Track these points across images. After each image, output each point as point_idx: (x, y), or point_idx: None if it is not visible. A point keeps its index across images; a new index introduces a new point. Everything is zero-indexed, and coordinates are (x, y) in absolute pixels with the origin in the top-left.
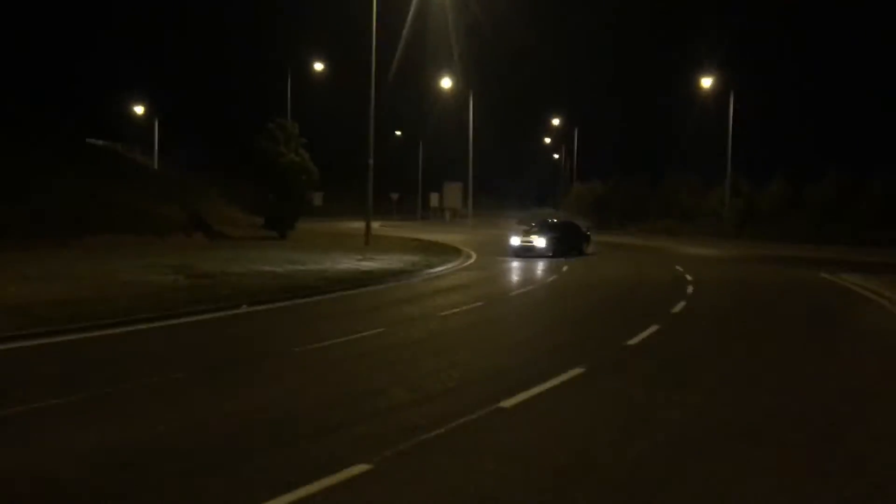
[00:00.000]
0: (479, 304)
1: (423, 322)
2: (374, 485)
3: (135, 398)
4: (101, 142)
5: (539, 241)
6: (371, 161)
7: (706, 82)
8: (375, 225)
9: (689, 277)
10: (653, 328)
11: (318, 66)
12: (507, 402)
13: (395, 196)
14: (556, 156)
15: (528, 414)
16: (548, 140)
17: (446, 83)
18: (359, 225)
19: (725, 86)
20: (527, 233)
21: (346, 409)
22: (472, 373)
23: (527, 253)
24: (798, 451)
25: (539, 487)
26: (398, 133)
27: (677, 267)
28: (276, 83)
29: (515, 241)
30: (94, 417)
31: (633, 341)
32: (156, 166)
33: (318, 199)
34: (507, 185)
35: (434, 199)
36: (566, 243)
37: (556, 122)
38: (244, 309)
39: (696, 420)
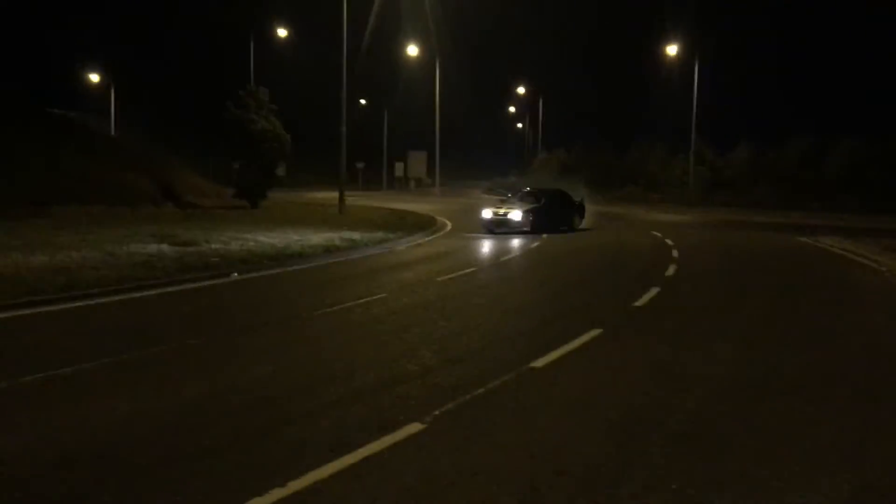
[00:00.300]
0: (472, 269)
1: (424, 287)
2: (435, 442)
3: (161, 364)
4: (57, 111)
5: (515, 214)
6: (344, 129)
7: (672, 50)
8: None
9: (669, 242)
10: (654, 290)
11: (283, 33)
12: (538, 363)
13: (360, 165)
14: (520, 125)
15: (563, 373)
16: (513, 109)
17: (413, 50)
18: (326, 195)
19: (691, 53)
20: (501, 204)
21: (379, 371)
22: (491, 335)
23: (500, 228)
24: (848, 404)
25: (600, 442)
26: (363, 101)
27: (655, 233)
28: (240, 50)
29: (487, 213)
30: (120, 384)
31: (639, 303)
32: (112, 134)
33: (281, 169)
34: (471, 155)
35: (399, 168)
36: (550, 216)
37: (521, 91)
38: (235, 276)
39: (733, 376)
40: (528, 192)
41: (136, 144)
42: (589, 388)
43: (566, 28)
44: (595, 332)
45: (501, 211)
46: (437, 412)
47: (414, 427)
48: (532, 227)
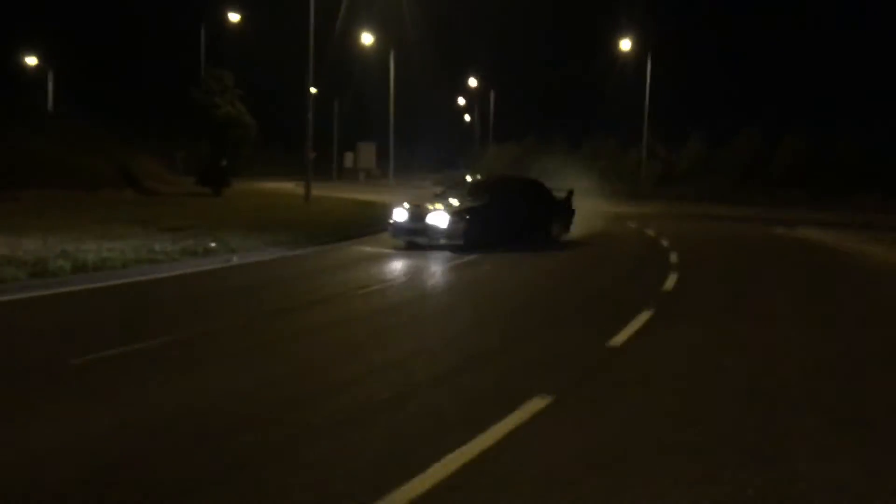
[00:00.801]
0: (473, 256)
1: (439, 274)
2: (570, 416)
3: (229, 341)
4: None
5: (438, 218)
6: (310, 115)
7: (625, 44)
8: (291, 185)
9: (651, 233)
10: (673, 275)
11: (234, 17)
12: (614, 342)
13: (311, 155)
14: (469, 118)
15: (647, 350)
16: (462, 101)
17: (367, 40)
18: (283, 185)
19: (643, 48)
20: (430, 199)
21: (457, 349)
22: (547, 316)
23: (416, 236)
24: None
25: (738, 413)
26: (314, 90)
27: (630, 223)
28: (189, 34)
29: (400, 214)
30: (197, 361)
31: (667, 287)
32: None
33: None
34: (419, 146)
35: (349, 159)
36: (505, 221)
37: (471, 83)
38: (235, 260)
39: (820, 349)
40: (477, 182)
41: (91, 127)
42: (687, 363)
43: (519, 20)
44: (647, 315)
45: (421, 212)
46: (561, 385)
47: (543, 400)
48: (468, 239)
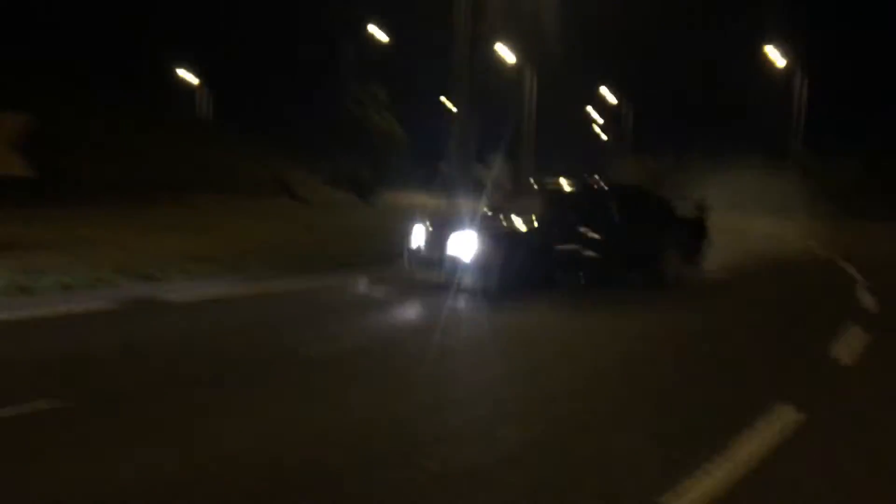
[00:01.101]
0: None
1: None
2: (829, 426)
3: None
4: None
5: (461, 246)
6: (457, 129)
7: (774, 55)
8: (423, 198)
9: (816, 248)
10: (865, 293)
11: (384, 37)
12: (839, 357)
13: (445, 168)
14: (604, 136)
15: (880, 367)
16: (596, 115)
17: (507, 55)
18: (417, 198)
19: (793, 57)
20: (449, 224)
21: (675, 364)
22: (749, 335)
23: (431, 269)
24: None
25: None
26: (446, 102)
27: (788, 239)
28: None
29: (419, 237)
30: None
31: (868, 306)
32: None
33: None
34: (552, 160)
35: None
36: (577, 253)
37: (608, 96)
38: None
39: None
40: (553, 191)
41: (247, 137)
42: None
43: (661, 29)
44: (856, 330)
45: (443, 232)
46: (799, 399)
47: (791, 413)
48: (503, 279)
